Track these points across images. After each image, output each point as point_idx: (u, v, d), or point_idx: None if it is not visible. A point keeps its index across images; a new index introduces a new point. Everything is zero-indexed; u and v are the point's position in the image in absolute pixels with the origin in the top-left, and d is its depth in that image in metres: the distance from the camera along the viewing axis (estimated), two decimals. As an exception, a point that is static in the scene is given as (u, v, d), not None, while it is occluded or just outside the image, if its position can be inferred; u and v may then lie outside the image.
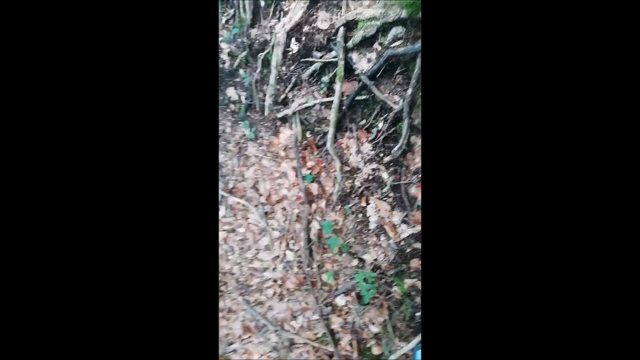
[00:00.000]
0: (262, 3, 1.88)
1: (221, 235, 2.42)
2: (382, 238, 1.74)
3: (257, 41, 1.96)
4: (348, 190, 1.80)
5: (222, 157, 2.46)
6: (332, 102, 1.69)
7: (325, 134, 1.83)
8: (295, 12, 1.63)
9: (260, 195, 2.21)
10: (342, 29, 1.50)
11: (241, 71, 2.23)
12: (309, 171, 1.94)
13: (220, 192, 2.39)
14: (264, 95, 2.06)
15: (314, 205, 1.94)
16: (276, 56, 1.83)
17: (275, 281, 2.12)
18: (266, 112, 2.08)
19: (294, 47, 1.78)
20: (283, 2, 1.73)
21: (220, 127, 2.48)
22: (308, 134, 1.95)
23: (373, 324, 1.84)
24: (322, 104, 1.74)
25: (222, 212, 2.43)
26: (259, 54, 1.92)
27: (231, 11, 2.22)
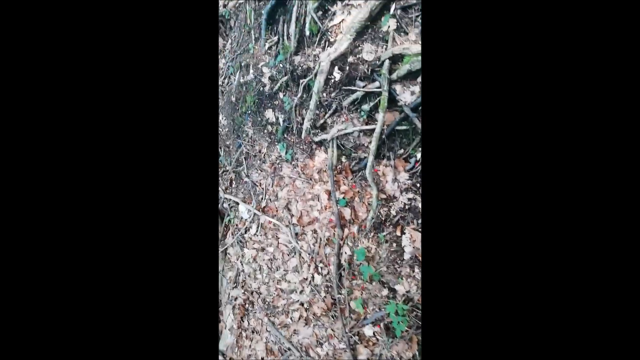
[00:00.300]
0: (308, 32, 1.97)
1: (250, 253, 2.45)
2: (416, 270, 1.70)
3: (299, 68, 2.05)
4: (383, 218, 1.79)
5: (256, 176, 2.52)
6: (371, 130, 1.71)
7: (361, 159, 1.85)
8: (342, 43, 1.69)
9: (292, 215, 2.24)
10: (387, 61, 1.54)
11: (280, 95, 2.31)
12: (343, 195, 1.95)
13: (253, 210, 2.43)
14: (302, 119, 2.12)
15: (345, 230, 1.94)
16: (318, 83, 1.89)
17: (302, 304, 2.10)
18: (303, 135, 2.13)
19: (337, 75, 1.84)
20: (329, 33, 1.81)
21: (257, 147, 2.57)
22: (343, 159, 1.98)
23: (401, 358, 1.78)
24: (361, 131, 1.77)
25: (253, 230, 2.47)
26: (301, 80, 1.99)
27: (275, 38, 2.34)
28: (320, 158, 2.11)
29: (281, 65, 2.19)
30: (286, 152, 2.20)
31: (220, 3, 3.04)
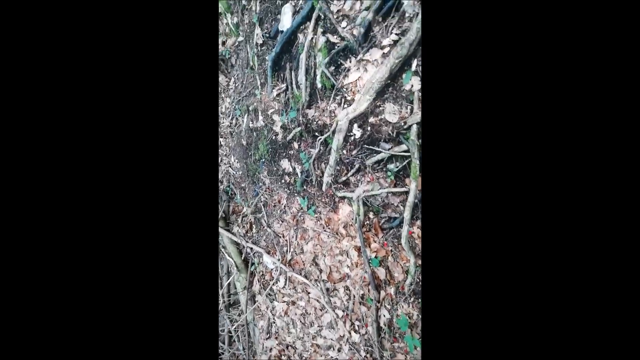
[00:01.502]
0: (319, 85, 1.84)
1: (281, 306, 2.39)
2: (463, 334, 1.61)
3: (314, 122, 1.93)
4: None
5: (278, 227, 2.45)
6: (400, 192, 1.60)
7: (391, 218, 1.74)
8: (361, 103, 1.56)
9: (321, 271, 2.16)
10: (415, 125, 1.41)
11: (295, 145, 2.21)
12: (374, 254, 1.85)
13: (278, 264, 2.37)
14: (322, 172, 2.02)
15: (382, 292, 1.85)
16: (337, 141, 1.77)
17: (342, 364, 2.05)
18: (324, 188, 2.03)
19: (357, 132, 1.72)
20: (345, 90, 1.68)
21: (275, 197, 2.48)
22: (371, 215, 1.87)
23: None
24: (389, 192, 1.66)
25: (281, 283, 2.41)
26: (318, 137, 1.88)
27: (283, 86, 2.21)
28: (344, 212, 2.01)
29: (294, 117, 2.07)
30: (308, 208, 2.11)
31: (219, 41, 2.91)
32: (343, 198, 1.96)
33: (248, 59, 2.61)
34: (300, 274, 2.24)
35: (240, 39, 2.74)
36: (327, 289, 2.10)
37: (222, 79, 3.11)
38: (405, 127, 1.47)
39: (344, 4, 1.67)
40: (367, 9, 1.56)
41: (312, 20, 1.76)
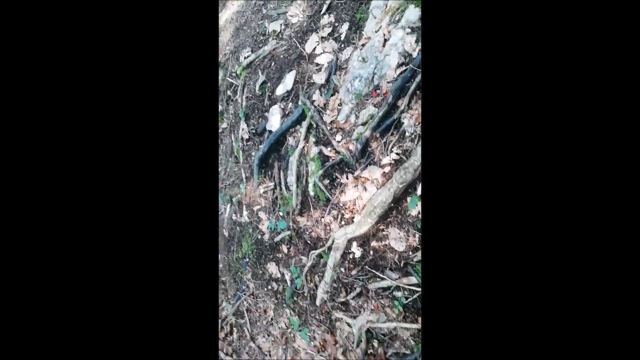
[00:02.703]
0: (312, 193, 1.68)
1: None
2: None
3: (306, 232, 1.74)
4: None
5: (263, 342, 2.11)
6: (414, 329, 1.37)
7: (400, 354, 1.49)
8: (361, 226, 1.39)
9: (316, 405, 1.81)
10: (426, 261, 1.24)
11: (284, 248, 1.99)
12: (382, 393, 1.56)
13: (264, 392, 1.99)
14: (315, 285, 1.78)
15: None
16: (334, 258, 1.57)
17: None
18: (318, 303, 1.77)
19: (357, 252, 1.52)
20: (341, 206, 1.52)
21: (261, 305, 2.18)
22: (375, 343, 1.61)
23: None
24: (398, 326, 1.42)
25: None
26: (311, 252, 1.67)
27: (271, 184, 2.05)
28: (343, 333, 1.74)
29: (283, 220, 1.88)
30: (300, 329, 1.82)
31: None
32: (341, 319, 1.70)
33: (232, 147, 2.48)
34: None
35: (224, 125, 2.64)
36: None
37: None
38: (414, 259, 1.30)
39: (337, 115, 1.58)
40: (364, 124, 1.47)
41: (304, 128, 1.66)
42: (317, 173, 1.56)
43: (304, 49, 1.83)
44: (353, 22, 1.71)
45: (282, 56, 1.93)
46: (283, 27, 2.01)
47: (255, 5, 2.21)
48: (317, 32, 1.80)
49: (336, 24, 1.76)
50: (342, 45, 1.69)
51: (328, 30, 1.76)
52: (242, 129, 2.14)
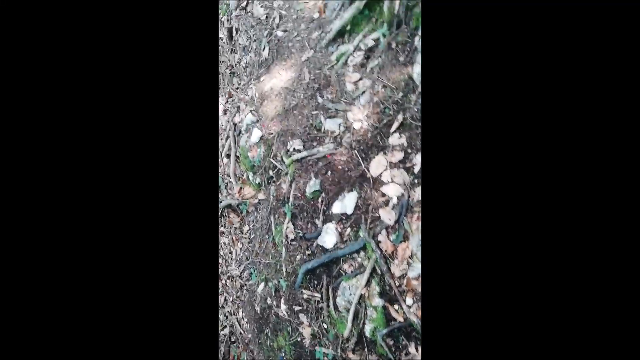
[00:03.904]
0: (368, 335, 1.59)
1: None
2: None
3: (358, 370, 1.67)
4: None
5: None
6: None
7: None
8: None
9: None
10: None
11: (327, 360, 1.93)
12: None
13: None
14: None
15: None
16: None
17: None
18: None
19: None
20: (405, 373, 1.43)
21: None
22: None
23: None
24: None
25: None
26: (364, 396, 1.61)
27: (317, 295, 1.95)
28: None
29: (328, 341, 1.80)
30: None
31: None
32: None
33: (270, 226, 2.36)
34: None
35: (262, 197, 2.49)
36: None
37: (234, 217, 2.83)
38: None
39: (409, 270, 1.45)
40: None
41: (366, 274, 1.53)
42: (381, 330, 1.46)
43: (368, 169, 1.65)
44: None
45: (340, 167, 1.75)
46: (342, 129, 1.81)
47: (309, 87, 1.99)
48: (385, 154, 1.62)
49: (409, 150, 1.57)
50: (416, 181, 1.52)
51: (399, 155, 1.58)
52: (288, 227, 2.01)
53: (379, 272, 1.51)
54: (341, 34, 1.96)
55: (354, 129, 1.77)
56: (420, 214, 1.44)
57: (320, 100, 1.93)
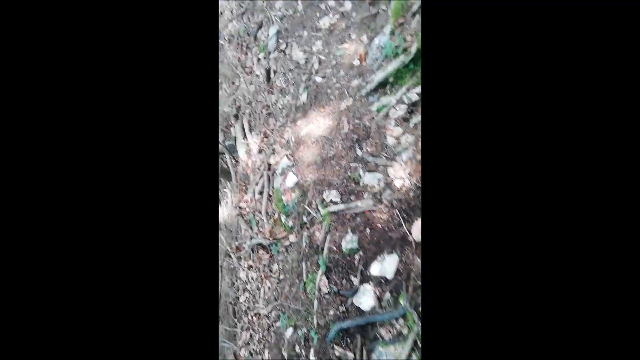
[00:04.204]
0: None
1: None
2: None
3: None
4: None
5: None
6: None
7: None
8: None
9: None
10: None
11: None
12: None
13: None
14: None
15: None
16: None
17: None
18: None
19: None
20: None
21: None
22: None
23: None
24: None
25: None
26: None
27: (350, 356, 1.88)
28: None
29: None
30: None
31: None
32: None
33: (301, 272, 2.32)
34: None
35: (293, 239, 2.47)
36: None
37: (263, 254, 2.82)
38: None
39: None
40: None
41: (408, 343, 1.45)
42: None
43: (410, 232, 1.58)
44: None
45: (379, 225, 1.70)
46: (382, 185, 1.76)
47: (348, 137, 1.97)
48: (429, 218, 1.54)
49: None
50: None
51: (444, 221, 1.49)
52: (321, 280, 1.96)
53: (421, 346, 1.42)
54: (383, 85, 1.94)
55: (395, 186, 1.71)
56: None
57: (359, 152, 1.90)
